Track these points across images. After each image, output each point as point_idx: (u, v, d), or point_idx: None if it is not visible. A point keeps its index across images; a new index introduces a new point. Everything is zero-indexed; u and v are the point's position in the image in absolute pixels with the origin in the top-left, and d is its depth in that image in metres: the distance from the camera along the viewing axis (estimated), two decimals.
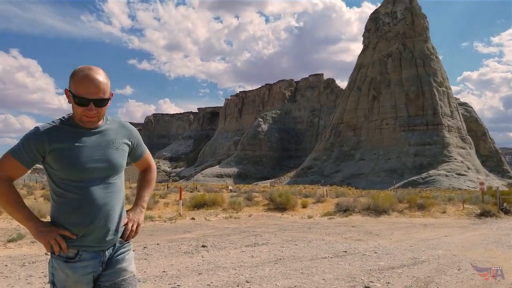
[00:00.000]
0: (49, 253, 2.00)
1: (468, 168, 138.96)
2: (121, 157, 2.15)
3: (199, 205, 18.68)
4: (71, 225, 1.97)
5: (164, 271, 6.19)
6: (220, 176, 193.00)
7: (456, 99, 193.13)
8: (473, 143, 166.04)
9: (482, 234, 12.57)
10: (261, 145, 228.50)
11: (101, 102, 2.00)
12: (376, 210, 19.15)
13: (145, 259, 7.23)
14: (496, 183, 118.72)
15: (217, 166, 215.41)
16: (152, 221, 14.38)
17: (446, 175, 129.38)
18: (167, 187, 43.72)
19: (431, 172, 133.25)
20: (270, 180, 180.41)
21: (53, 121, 2.06)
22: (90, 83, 1.95)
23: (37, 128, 2.00)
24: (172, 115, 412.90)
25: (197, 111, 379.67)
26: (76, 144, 2.01)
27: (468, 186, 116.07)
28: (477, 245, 10.03)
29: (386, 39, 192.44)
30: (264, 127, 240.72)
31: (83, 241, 1.99)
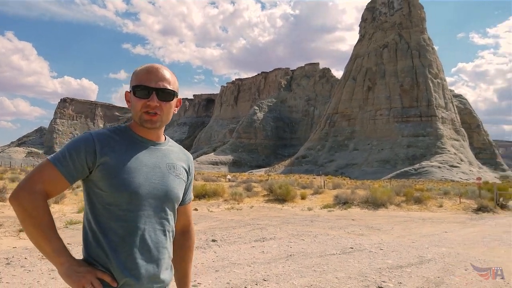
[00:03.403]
0: None
1: (461, 160, 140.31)
2: (181, 188, 1.69)
3: (200, 195, 18.86)
4: (112, 268, 1.48)
5: None
6: (215, 163, 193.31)
7: (451, 90, 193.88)
8: (467, 135, 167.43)
9: (482, 231, 12.84)
10: (256, 133, 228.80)
11: (166, 95, 1.59)
12: (374, 203, 19.43)
13: None
14: (489, 175, 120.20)
15: (212, 153, 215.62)
16: None
17: (439, 167, 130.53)
18: None
19: (424, 163, 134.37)
20: (264, 169, 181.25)
21: (106, 128, 1.64)
22: (153, 70, 1.60)
23: (88, 134, 1.56)
24: None
25: (193, 97, 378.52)
26: (133, 159, 1.55)
27: (461, 178, 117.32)
28: (478, 243, 10.27)
29: (382, 30, 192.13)
30: (260, 115, 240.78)
31: None
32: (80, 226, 10.28)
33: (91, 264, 1.49)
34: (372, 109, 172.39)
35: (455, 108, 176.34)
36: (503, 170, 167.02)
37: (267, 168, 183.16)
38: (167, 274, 1.62)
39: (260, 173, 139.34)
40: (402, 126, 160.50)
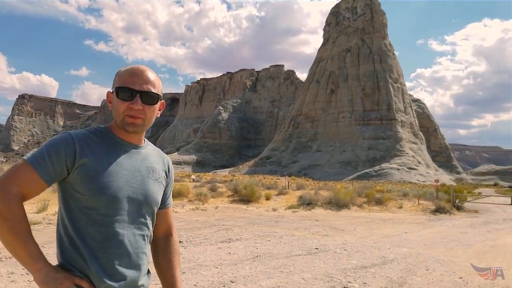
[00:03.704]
0: None
1: (419, 163, 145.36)
2: (160, 192, 1.63)
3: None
4: (91, 274, 1.41)
5: None
6: (178, 163, 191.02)
7: (410, 95, 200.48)
8: (425, 138, 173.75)
9: (440, 232, 13.32)
10: (221, 133, 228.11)
11: (150, 98, 1.52)
12: (337, 204, 19.77)
13: None
14: (445, 178, 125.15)
15: (176, 153, 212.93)
16: None
17: (398, 169, 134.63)
18: None
19: (384, 165, 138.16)
20: (228, 169, 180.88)
21: (85, 129, 1.55)
22: (138, 73, 1.52)
23: (67, 134, 1.47)
24: None
25: None
26: (113, 162, 1.48)
27: (418, 180, 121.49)
28: (437, 243, 10.65)
29: (345, 34, 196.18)
30: (225, 115, 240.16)
31: None
32: (41, 227, 9.88)
33: (68, 270, 1.41)
34: (335, 112, 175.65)
35: (414, 112, 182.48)
36: (458, 173, 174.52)
37: (231, 169, 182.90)
38: (145, 279, 1.57)
39: (224, 173, 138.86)
40: (363, 129, 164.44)
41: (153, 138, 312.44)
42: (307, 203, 19.57)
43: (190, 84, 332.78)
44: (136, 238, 1.51)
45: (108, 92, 1.59)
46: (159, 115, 1.65)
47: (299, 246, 9.15)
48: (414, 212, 20.31)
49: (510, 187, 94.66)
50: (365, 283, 6.09)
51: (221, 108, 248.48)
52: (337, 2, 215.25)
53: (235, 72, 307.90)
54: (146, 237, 1.56)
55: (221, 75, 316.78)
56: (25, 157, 1.42)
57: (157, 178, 1.62)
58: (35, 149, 1.50)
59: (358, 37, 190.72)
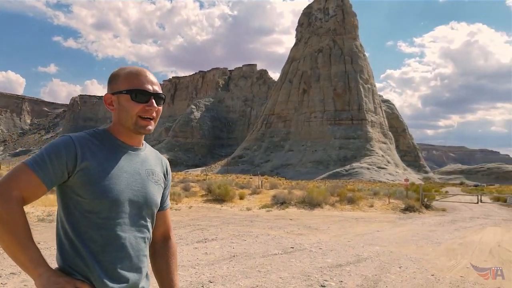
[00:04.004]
0: None
1: (388, 162, 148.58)
2: (159, 194, 1.63)
3: None
4: (93, 278, 1.40)
5: None
6: None
7: (380, 96, 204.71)
8: (394, 138, 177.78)
9: (410, 230, 13.67)
10: (193, 132, 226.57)
11: (160, 99, 1.57)
12: (311, 203, 19.99)
13: None
14: (413, 177, 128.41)
15: None
16: None
17: (368, 168, 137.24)
18: None
19: (354, 164, 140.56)
20: (201, 168, 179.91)
21: (84, 131, 1.53)
22: (146, 75, 1.55)
23: (68, 137, 1.45)
24: (100, 97, 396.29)
25: None
26: (114, 165, 1.48)
27: (388, 179, 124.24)
28: (408, 241, 10.92)
29: (317, 35, 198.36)
30: (197, 114, 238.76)
31: None
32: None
33: (69, 274, 1.40)
34: (307, 112, 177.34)
35: (384, 113, 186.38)
36: (426, 172, 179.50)
37: (204, 168, 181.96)
38: (145, 282, 1.55)
39: (196, 172, 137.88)
40: (334, 129, 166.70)
41: None
42: (280, 203, 19.70)
43: (162, 82, 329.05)
44: (137, 241, 1.50)
45: (108, 94, 1.56)
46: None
47: (275, 245, 9.20)
48: (384, 210, 20.75)
49: (476, 186, 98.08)
50: (341, 281, 6.18)
51: (194, 107, 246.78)
52: (310, 2, 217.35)
53: (207, 70, 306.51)
54: (146, 240, 1.56)
55: (193, 74, 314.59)
56: (25, 161, 1.40)
57: (156, 180, 1.62)
58: (35, 153, 1.46)
59: (329, 38, 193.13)
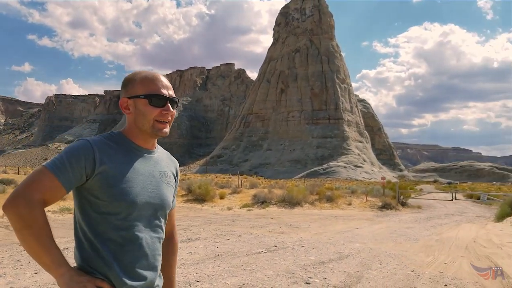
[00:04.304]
0: None
1: (364, 161, 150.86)
2: (171, 195, 1.71)
3: None
4: (112, 276, 1.47)
5: None
6: None
7: (356, 95, 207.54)
8: (369, 137, 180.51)
9: (388, 227, 13.99)
10: (171, 132, 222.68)
11: (175, 104, 1.64)
12: (291, 202, 20.18)
13: None
14: (388, 175, 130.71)
15: None
16: (71, 213, 13.66)
17: (345, 167, 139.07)
18: None
19: (332, 163, 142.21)
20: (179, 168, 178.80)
21: (100, 135, 1.60)
22: (161, 79, 1.62)
23: (85, 141, 1.51)
24: (76, 97, 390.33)
25: (104, 93, 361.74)
26: (130, 168, 1.54)
27: (364, 177, 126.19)
28: (387, 238, 11.19)
29: (294, 35, 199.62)
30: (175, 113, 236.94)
31: None
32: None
33: (88, 273, 1.47)
34: (284, 111, 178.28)
35: (360, 112, 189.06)
36: (401, 170, 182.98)
37: (182, 168, 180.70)
38: (159, 280, 1.63)
39: None
40: (312, 128, 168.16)
41: None
42: (261, 202, 19.83)
43: None
44: (153, 241, 1.58)
45: (124, 98, 1.62)
46: None
47: (258, 244, 9.30)
48: (362, 208, 21.13)
49: (449, 184, 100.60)
50: (325, 278, 6.32)
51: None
52: (287, 2, 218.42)
53: (185, 70, 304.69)
54: (160, 239, 1.64)
55: (170, 73, 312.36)
56: (45, 164, 1.46)
57: (168, 182, 1.69)
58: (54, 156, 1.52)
59: (306, 38, 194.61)
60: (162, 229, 1.65)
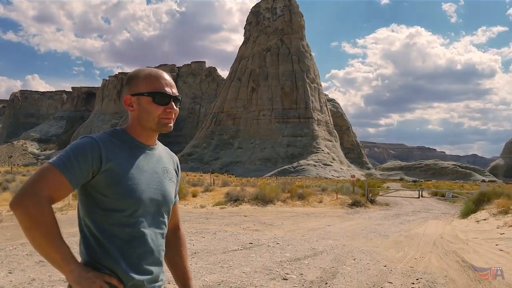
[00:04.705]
0: None
1: (333, 159, 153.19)
2: (174, 191, 1.74)
3: None
4: (119, 271, 1.49)
5: None
6: None
7: (325, 95, 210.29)
8: (338, 136, 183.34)
9: (359, 224, 14.32)
10: None
11: (178, 101, 1.67)
12: (263, 200, 20.29)
13: None
14: (357, 173, 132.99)
15: None
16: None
17: (314, 165, 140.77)
18: None
19: (301, 161, 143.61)
20: None
21: (104, 132, 1.61)
22: (165, 77, 1.63)
23: (91, 138, 1.52)
24: (43, 93, 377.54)
25: (71, 90, 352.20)
26: (134, 165, 1.56)
27: (333, 176, 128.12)
28: (358, 235, 11.47)
29: (265, 34, 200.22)
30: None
31: None
32: None
33: (96, 269, 1.48)
34: (255, 110, 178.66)
35: (329, 111, 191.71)
36: (368, 168, 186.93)
37: None
38: (163, 274, 1.66)
39: None
40: (282, 127, 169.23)
41: (67, 134, 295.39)
42: (234, 200, 19.86)
43: (107, 78, 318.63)
44: (157, 237, 1.60)
45: (128, 95, 1.62)
46: None
47: (234, 241, 9.35)
48: (333, 206, 21.51)
49: (414, 182, 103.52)
50: (301, 274, 6.45)
51: None
52: (258, 1, 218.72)
53: (155, 67, 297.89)
54: (164, 235, 1.65)
55: None
56: (51, 161, 1.45)
57: (171, 177, 1.71)
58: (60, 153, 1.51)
59: (277, 37, 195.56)
60: (165, 225, 1.67)
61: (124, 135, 1.62)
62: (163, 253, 1.64)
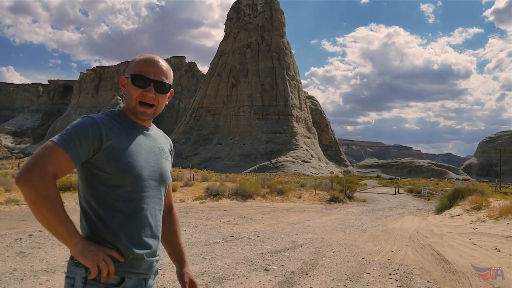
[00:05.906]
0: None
1: (312, 156, 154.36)
2: (169, 169, 1.82)
3: (64, 187, 17.42)
4: (120, 245, 1.56)
5: (68, 261, 5.97)
6: None
7: (305, 92, 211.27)
8: (317, 133, 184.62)
9: (337, 219, 14.58)
10: None
11: (162, 87, 1.69)
12: (243, 195, 20.39)
13: (39, 248, 6.80)
14: (335, 170, 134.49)
15: None
16: (18, 205, 13.05)
17: (293, 162, 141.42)
18: (18, 166, 39.13)
19: (280, 158, 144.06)
20: None
21: (102, 113, 1.68)
22: (153, 63, 1.68)
23: (91, 118, 1.60)
24: (18, 86, 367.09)
25: (48, 83, 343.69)
26: (133, 143, 1.64)
27: (311, 172, 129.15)
28: (337, 229, 11.70)
29: (246, 30, 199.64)
30: (123, 105, 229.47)
31: (131, 266, 1.59)
32: None
33: (97, 242, 1.55)
34: (235, 106, 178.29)
35: (308, 109, 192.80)
36: (346, 166, 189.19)
37: None
38: (159, 250, 1.74)
39: None
40: (262, 123, 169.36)
41: (43, 127, 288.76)
42: (214, 194, 19.90)
43: (85, 72, 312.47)
44: (155, 212, 1.69)
45: (123, 77, 1.72)
46: (167, 102, 1.81)
47: (215, 234, 9.42)
48: (312, 201, 21.77)
49: (391, 179, 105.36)
50: (282, 265, 6.57)
51: (119, 97, 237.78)
52: None
53: None
54: (161, 211, 1.75)
55: (119, 64, 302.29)
56: (54, 140, 1.51)
57: (166, 157, 1.81)
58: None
59: (258, 34, 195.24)
60: (162, 201, 1.77)
61: (122, 115, 1.71)
62: (160, 228, 1.73)
